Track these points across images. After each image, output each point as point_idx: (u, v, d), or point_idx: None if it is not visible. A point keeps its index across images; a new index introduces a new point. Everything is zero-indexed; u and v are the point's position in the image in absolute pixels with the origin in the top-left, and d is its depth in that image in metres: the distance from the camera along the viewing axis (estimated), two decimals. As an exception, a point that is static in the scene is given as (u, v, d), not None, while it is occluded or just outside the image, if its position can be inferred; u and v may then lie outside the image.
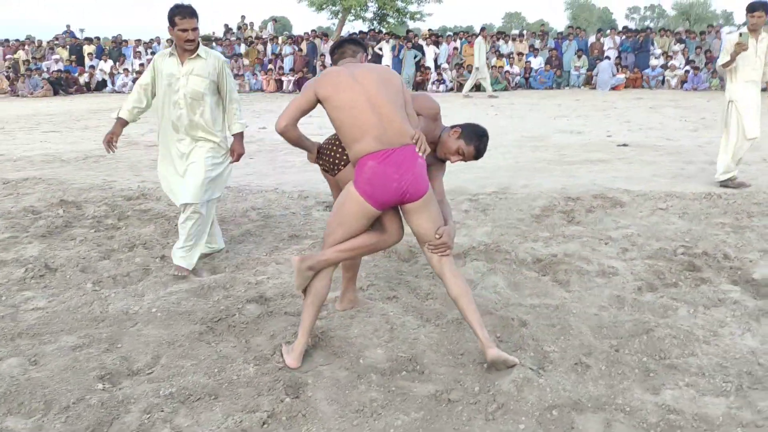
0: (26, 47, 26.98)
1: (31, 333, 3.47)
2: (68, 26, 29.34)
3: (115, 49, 25.87)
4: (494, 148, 9.36)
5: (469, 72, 20.74)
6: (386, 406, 2.72)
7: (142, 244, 4.96)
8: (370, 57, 3.60)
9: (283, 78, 22.23)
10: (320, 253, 3.15)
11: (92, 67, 24.83)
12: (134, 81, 22.85)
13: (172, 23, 4.15)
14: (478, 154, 3.43)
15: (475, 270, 4.29)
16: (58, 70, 24.11)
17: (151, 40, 27.11)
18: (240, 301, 3.81)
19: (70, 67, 24.77)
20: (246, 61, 23.83)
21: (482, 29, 21.42)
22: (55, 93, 22.62)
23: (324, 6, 24.30)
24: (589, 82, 20.71)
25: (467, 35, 23.32)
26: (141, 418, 2.64)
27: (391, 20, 25.14)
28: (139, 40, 27.01)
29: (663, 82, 19.99)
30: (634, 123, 11.91)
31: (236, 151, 4.50)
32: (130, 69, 23.99)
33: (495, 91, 18.67)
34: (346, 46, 3.49)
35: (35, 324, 3.58)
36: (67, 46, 26.59)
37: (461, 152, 3.39)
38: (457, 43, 22.35)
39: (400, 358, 3.12)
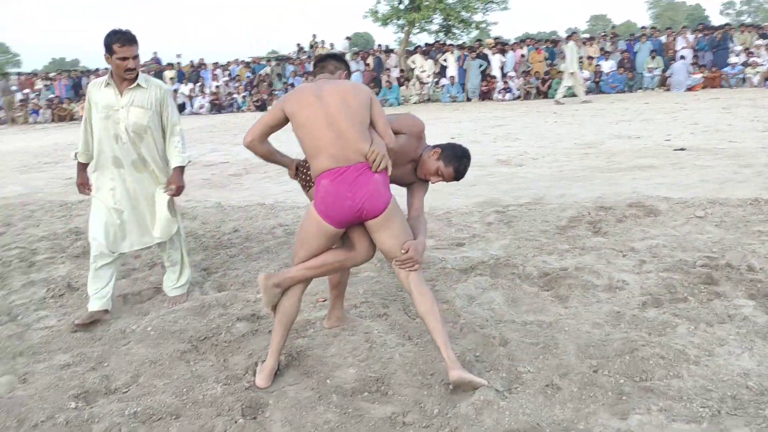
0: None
1: (31, 351, 3.64)
2: (155, 53, 30.83)
3: (194, 73, 27.06)
4: (542, 157, 9.15)
5: (537, 78, 20.36)
6: (337, 428, 2.68)
7: (161, 263, 5.12)
8: (349, 74, 3.56)
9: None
10: (286, 270, 3.16)
11: (175, 90, 26.03)
12: (210, 102, 23.85)
13: (110, 51, 3.79)
14: (458, 175, 3.36)
15: (476, 285, 4.18)
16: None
17: (228, 62, 28.22)
18: (231, 320, 3.86)
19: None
20: (316, 79, 24.33)
21: (573, 33, 20.98)
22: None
23: (388, 21, 24.47)
24: (663, 83, 19.85)
25: (534, 42, 22.88)
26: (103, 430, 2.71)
27: (456, 31, 25.02)
28: (216, 63, 28.13)
29: (744, 80, 18.89)
30: (700, 125, 11.30)
31: (175, 184, 4.09)
32: (206, 91, 25.00)
33: (564, 96, 18.15)
34: (328, 62, 3.47)
35: (38, 343, 3.75)
36: (152, 72, 28.07)
37: (440, 173, 3.33)
38: (525, 51, 21.96)
39: (369, 378, 3.07)
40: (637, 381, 2.89)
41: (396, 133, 3.23)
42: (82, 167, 4.14)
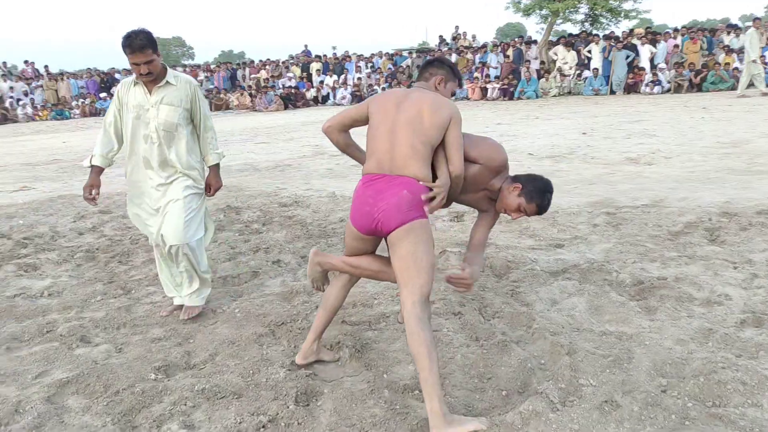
0: (267, 67, 30.22)
1: (133, 324, 3.98)
2: (306, 46, 32.17)
3: (338, 65, 27.96)
4: (675, 156, 8.58)
5: (691, 70, 19.00)
6: (380, 424, 2.71)
7: (265, 248, 5.39)
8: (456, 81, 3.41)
9: (488, 86, 22.23)
10: (333, 255, 3.21)
11: (321, 82, 27.06)
12: (352, 94, 24.50)
13: (125, 54, 3.68)
14: (541, 211, 3.22)
15: (561, 290, 4.02)
16: (291, 87, 26.71)
17: (372, 54, 28.86)
18: (311, 307, 3.99)
19: (302, 84, 27.32)
20: (456, 71, 24.31)
21: (755, 19, 19.42)
22: (286, 107, 25.06)
23: (530, 11, 23.82)
24: None
25: (689, 30, 21.30)
26: (166, 408, 2.92)
27: (603, 21, 23.84)
28: (360, 55, 28.86)
29: None
30: None
31: (213, 185, 4.06)
32: (349, 83, 25.75)
33: (721, 90, 16.78)
34: (427, 68, 3.32)
35: (141, 316, 4.10)
36: (300, 64, 29.37)
37: (522, 209, 3.19)
38: (678, 41, 20.52)
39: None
40: (708, 406, 2.66)
41: (472, 161, 3.13)
42: (97, 171, 3.94)
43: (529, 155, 9.77)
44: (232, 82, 30.08)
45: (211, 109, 21.67)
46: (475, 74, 23.18)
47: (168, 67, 3.85)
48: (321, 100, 26.14)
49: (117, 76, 30.26)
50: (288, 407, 2.85)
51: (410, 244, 2.78)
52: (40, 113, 28.39)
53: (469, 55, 24.91)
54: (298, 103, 25.53)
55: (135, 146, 3.88)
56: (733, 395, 2.69)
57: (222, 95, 27.98)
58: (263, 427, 2.74)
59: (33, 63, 31.96)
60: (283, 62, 30.33)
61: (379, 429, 2.67)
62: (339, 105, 24.89)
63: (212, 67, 32.57)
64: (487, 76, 22.89)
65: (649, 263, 4.42)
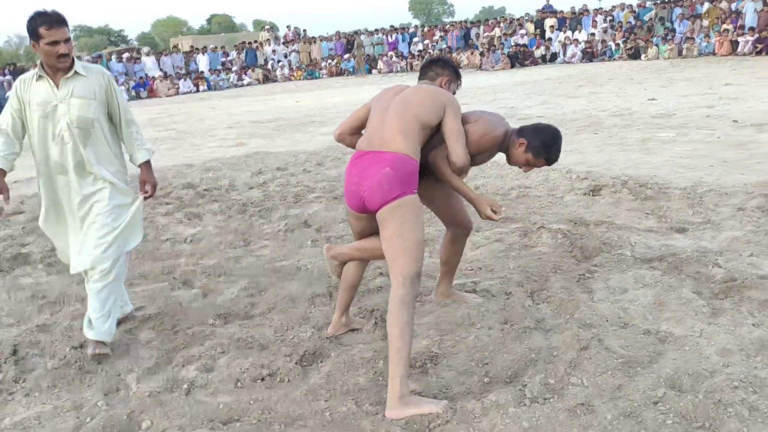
0: (501, 24, 29.84)
1: (231, 273, 4.49)
2: (548, 1, 30.94)
3: (574, 20, 26.61)
4: None
5: None
6: (354, 392, 2.82)
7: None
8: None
9: (740, 39, 19.60)
10: (344, 246, 3.27)
11: (549, 39, 26.09)
12: (583, 52, 23.26)
13: (35, 36, 3.16)
14: (550, 162, 3.20)
15: (636, 279, 3.67)
16: (520, 45, 26.16)
17: (613, 7, 26.98)
18: (376, 273, 4.15)
19: (533, 41, 26.58)
20: (705, 22, 21.82)
21: None
22: (512, 66, 24.65)
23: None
24: None
25: None
26: (201, 351, 3.32)
27: None
28: (598, 9, 27.13)
29: None
30: None
31: (149, 182, 3.54)
32: (579, 39, 24.46)
33: None
34: (430, 68, 3.33)
35: (242, 266, 4.60)
36: (534, 20, 28.49)
37: (531, 164, 3.18)
38: None
39: (429, 353, 3.09)
40: (693, 427, 2.34)
41: (474, 153, 3.08)
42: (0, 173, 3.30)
43: (733, 122, 8.62)
44: (465, 41, 30.24)
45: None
46: (725, 25, 20.53)
47: (74, 57, 3.33)
48: (550, 59, 25.20)
49: (362, 37, 32.16)
50: (290, 365, 3.09)
51: (395, 225, 2.76)
52: (295, 73, 31.37)
53: (723, 3, 22.08)
54: (526, 61, 24.93)
55: (45, 150, 3.34)
56: (729, 421, 2.33)
57: (454, 55, 28.30)
58: (262, 379, 3.02)
59: (295, 28, 35.30)
60: (518, 19, 29.64)
61: (348, 396, 2.79)
62: (568, 63, 23.82)
63: (447, 27, 32.98)
64: (741, 27, 20.15)
65: (766, 259, 3.81)
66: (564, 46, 24.82)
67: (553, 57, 25.14)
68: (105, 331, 3.32)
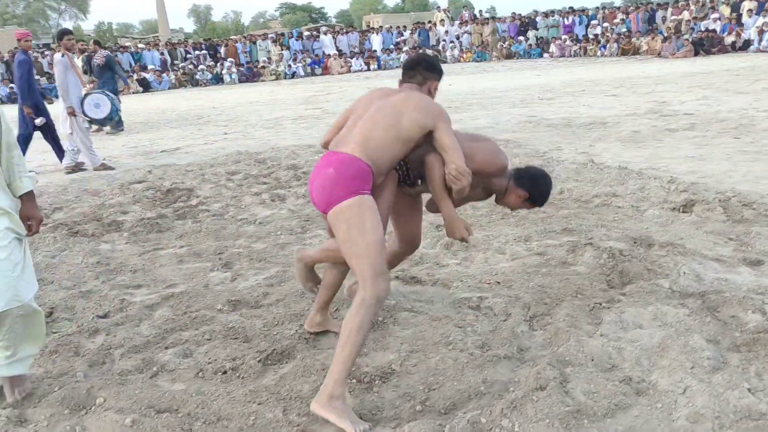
0: (692, 7, 27.29)
1: (268, 260, 4.63)
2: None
3: (779, 3, 23.66)
4: None
5: None
6: (293, 398, 2.81)
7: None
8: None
9: None
10: (312, 249, 3.24)
11: (742, 24, 23.47)
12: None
13: None
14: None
15: (654, 316, 3.25)
16: (709, 30, 23.81)
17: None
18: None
19: (726, 26, 24.08)
20: None
21: None
22: (696, 53, 22.53)
23: None
24: None
25: None
26: (191, 336, 3.46)
27: None
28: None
29: None
30: None
31: (34, 219, 2.92)
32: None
33: None
34: (417, 70, 3.18)
35: (285, 254, 4.72)
36: (730, 3, 25.73)
37: (526, 208, 3.32)
38: None
39: (389, 370, 2.98)
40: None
41: (473, 172, 2.90)
42: None
43: None
44: (650, 23, 28.11)
45: (617, 54, 20.59)
46: None
47: None
48: (741, 46, 22.65)
49: (537, 19, 31.11)
50: (253, 361, 3.14)
51: (342, 230, 2.69)
52: (464, 55, 31.18)
53: None
54: (713, 49, 22.63)
55: None
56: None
57: (634, 39, 26.43)
58: (223, 372, 3.09)
59: (471, 9, 35.01)
60: (712, 1, 26.94)
61: (282, 403, 2.77)
62: (763, 52, 21.28)
63: (630, 9, 30.84)
64: None
65: (833, 309, 3.19)
66: (761, 32, 22.17)
67: (746, 44, 22.57)
68: (12, 368, 2.87)
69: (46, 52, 28.61)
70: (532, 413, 2.50)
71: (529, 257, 4.24)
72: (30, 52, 8.80)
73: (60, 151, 8.97)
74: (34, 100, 8.60)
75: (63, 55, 8.75)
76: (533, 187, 3.12)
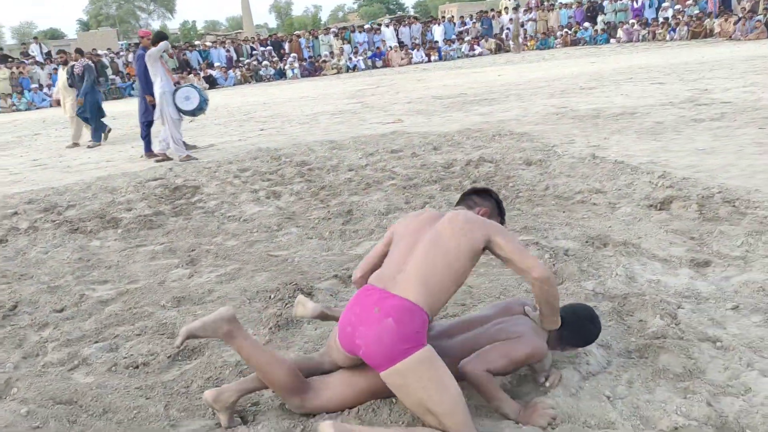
0: (771, -15, 25.69)
1: (229, 258, 4.79)
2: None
3: None
4: None
5: None
6: (178, 395, 2.95)
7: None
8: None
9: None
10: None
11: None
12: None
13: None
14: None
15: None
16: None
17: None
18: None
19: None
20: None
21: None
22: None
23: None
24: None
25: None
26: (125, 331, 3.66)
27: None
28: None
29: None
30: None
31: None
32: None
33: None
34: (470, 197, 2.90)
35: (246, 253, 4.88)
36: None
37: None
38: None
39: None
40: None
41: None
42: None
43: None
44: (726, 5, 26.67)
45: (686, 38, 19.64)
46: None
47: None
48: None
49: (605, 3, 30.09)
50: (164, 357, 3.30)
51: (418, 390, 2.27)
52: (528, 43, 30.55)
53: None
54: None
55: None
56: None
57: (706, 21, 25.18)
58: (135, 367, 3.26)
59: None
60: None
61: (167, 398, 2.90)
62: None
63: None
64: None
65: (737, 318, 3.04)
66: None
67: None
68: None
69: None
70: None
71: (473, 257, 4.21)
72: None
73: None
74: (150, 90, 9.46)
75: (148, 50, 9.31)
76: (576, 336, 2.74)
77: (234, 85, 27.58)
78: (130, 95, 27.95)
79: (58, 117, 19.41)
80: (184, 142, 9.63)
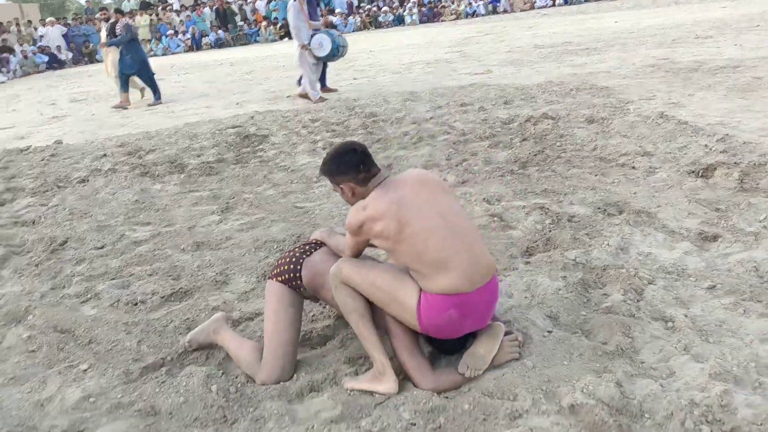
0: None
1: (260, 207, 5.04)
2: None
3: None
4: None
5: None
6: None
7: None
8: None
9: None
10: None
11: None
12: None
13: None
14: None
15: (530, 286, 3.15)
16: None
17: None
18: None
19: None
20: None
21: None
22: None
23: None
24: None
25: None
26: (142, 270, 4.04)
27: None
28: None
29: None
30: None
31: None
32: None
33: None
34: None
35: (277, 203, 5.11)
36: None
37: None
38: None
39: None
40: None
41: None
42: None
43: None
44: None
45: None
46: None
47: None
48: None
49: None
50: (158, 297, 3.61)
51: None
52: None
53: None
54: None
55: None
56: None
57: None
58: (134, 304, 3.59)
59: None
60: None
61: (147, 334, 3.21)
62: None
63: None
64: None
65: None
66: None
67: None
68: None
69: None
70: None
71: (478, 218, 4.18)
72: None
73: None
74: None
75: (295, 0, 9.81)
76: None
77: (353, 31, 27.83)
78: (256, 41, 29.20)
79: (185, 63, 20.64)
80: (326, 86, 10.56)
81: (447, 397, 2.43)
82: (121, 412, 2.57)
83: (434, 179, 2.62)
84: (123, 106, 11.62)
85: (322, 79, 10.76)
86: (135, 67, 11.59)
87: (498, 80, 9.76)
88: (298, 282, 2.73)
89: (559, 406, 2.28)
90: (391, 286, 2.47)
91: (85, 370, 2.91)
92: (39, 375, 2.91)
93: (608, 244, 3.53)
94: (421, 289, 2.43)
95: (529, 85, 8.88)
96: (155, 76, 11.93)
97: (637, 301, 2.91)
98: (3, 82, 22.23)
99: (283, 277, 2.75)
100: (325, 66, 10.72)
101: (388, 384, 2.46)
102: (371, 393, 2.49)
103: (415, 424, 2.27)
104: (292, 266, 2.76)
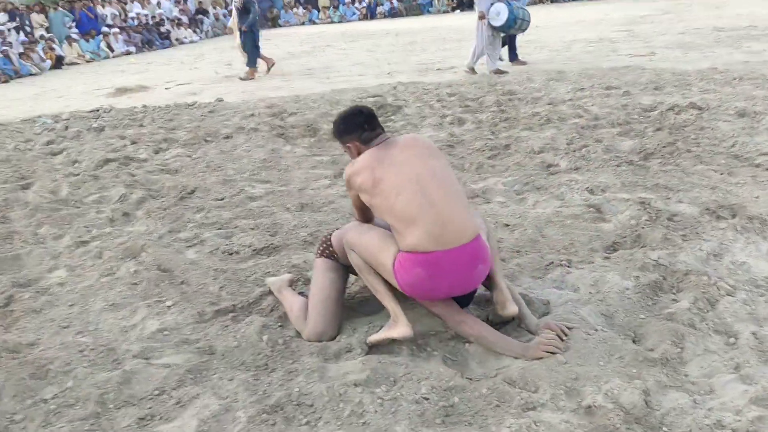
0: None
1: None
2: None
3: None
4: None
5: None
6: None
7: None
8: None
9: None
10: None
11: None
12: None
13: None
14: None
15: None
16: None
17: None
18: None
19: None
20: None
21: None
22: None
23: None
24: None
25: None
26: (246, 224, 4.36)
27: None
28: None
29: None
30: None
31: None
32: None
33: None
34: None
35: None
36: None
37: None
38: None
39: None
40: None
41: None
42: None
43: None
44: None
45: None
46: None
47: None
48: None
49: None
50: (249, 250, 3.90)
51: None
52: None
53: None
54: None
55: None
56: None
57: None
58: (230, 254, 3.90)
59: None
60: None
61: (230, 282, 3.50)
62: None
63: None
64: None
65: None
66: None
67: None
68: None
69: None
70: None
71: (574, 207, 4.04)
72: None
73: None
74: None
75: None
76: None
77: (527, 5, 27.06)
78: (428, 12, 29.44)
79: (355, 31, 21.33)
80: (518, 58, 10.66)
81: (470, 379, 2.45)
82: (185, 347, 2.86)
83: (425, 143, 2.73)
84: (251, 77, 11.90)
85: (512, 51, 10.67)
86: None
87: (658, 64, 9.15)
88: (331, 250, 2.89)
89: (577, 405, 2.23)
90: (377, 246, 2.62)
91: (169, 306, 3.25)
92: (133, 305, 3.29)
93: (701, 249, 3.29)
94: (399, 250, 2.55)
95: (689, 71, 8.23)
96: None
97: (706, 311, 2.71)
98: (196, 42, 24.30)
99: (320, 250, 2.95)
100: (513, 39, 10.61)
101: (401, 328, 2.59)
102: (390, 340, 2.65)
103: (428, 399, 2.32)
104: (326, 239, 2.96)
